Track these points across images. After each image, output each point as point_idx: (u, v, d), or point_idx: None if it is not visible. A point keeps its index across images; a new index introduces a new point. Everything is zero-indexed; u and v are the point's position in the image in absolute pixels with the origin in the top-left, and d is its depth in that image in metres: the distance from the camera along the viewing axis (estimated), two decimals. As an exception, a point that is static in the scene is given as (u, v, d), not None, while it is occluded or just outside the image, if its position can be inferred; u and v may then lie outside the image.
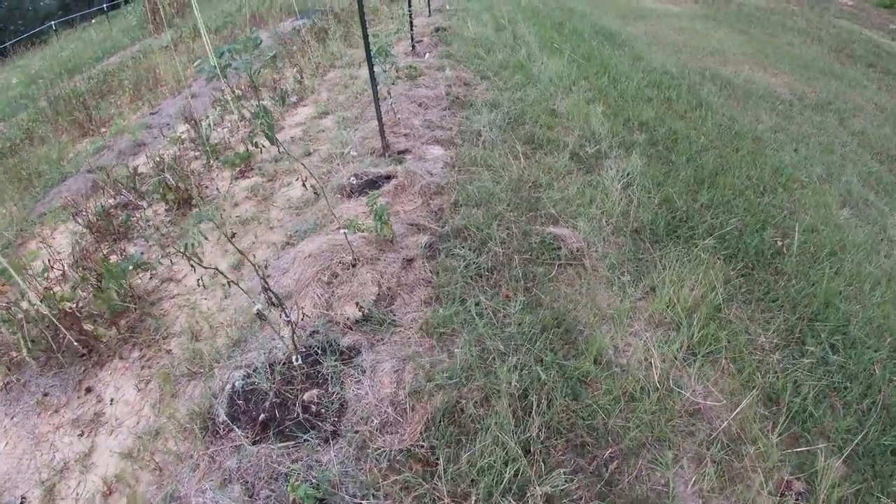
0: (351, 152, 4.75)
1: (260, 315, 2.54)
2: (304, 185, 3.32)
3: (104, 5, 22.14)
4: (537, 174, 4.47)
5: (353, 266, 3.24)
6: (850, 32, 13.83)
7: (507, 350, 2.79)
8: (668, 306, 3.13)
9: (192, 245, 2.12)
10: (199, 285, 2.52)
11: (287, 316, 2.49)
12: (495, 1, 12.47)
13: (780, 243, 3.86)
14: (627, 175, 4.44)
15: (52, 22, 20.01)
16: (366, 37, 4.31)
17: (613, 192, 4.18)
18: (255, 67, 2.48)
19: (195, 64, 2.35)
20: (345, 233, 3.12)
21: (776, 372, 2.86)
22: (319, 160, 5.24)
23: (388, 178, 4.29)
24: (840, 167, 5.72)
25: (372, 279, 3.15)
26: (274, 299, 2.42)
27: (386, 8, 11.92)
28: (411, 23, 8.13)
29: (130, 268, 3.77)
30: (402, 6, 9.34)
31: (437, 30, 9.58)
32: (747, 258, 3.64)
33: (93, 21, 18.50)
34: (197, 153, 6.08)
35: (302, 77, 7.71)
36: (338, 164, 4.97)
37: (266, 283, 2.39)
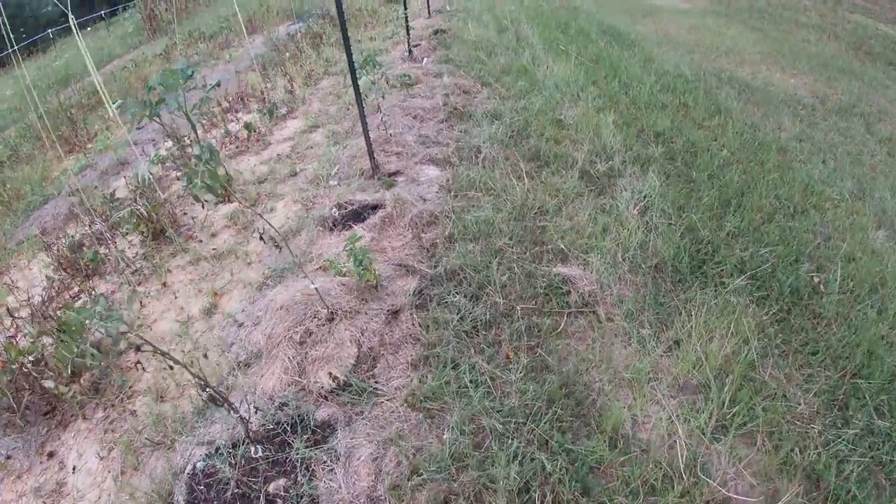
0: (331, 181, 4.33)
1: (213, 400, 2.13)
2: (261, 238, 2.89)
3: (102, 12, 21.85)
4: (543, 198, 4.03)
5: (330, 321, 2.82)
6: (866, 28, 13.23)
7: (507, 430, 2.35)
8: (694, 366, 2.68)
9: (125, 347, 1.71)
10: (137, 370, 2.10)
11: (236, 412, 2.08)
12: (497, 0, 11.99)
13: (816, 279, 3.40)
14: (644, 198, 3.98)
15: (50, 30, 19.71)
16: (348, 48, 3.89)
17: (629, 219, 3.73)
18: (193, 103, 2.07)
19: (115, 105, 1.93)
20: (316, 288, 2.70)
21: (817, 447, 2.41)
22: (305, 181, 4.82)
23: (375, 207, 3.86)
24: (871, 181, 5.22)
25: (351, 338, 2.73)
26: (219, 399, 2.01)
27: (384, 9, 11.48)
28: (407, 26, 7.69)
29: (89, 322, 3.38)
30: (400, 8, 8.92)
31: (435, 32, 9.13)
32: (782, 299, 3.18)
33: (88, 28, 18.17)
34: (179, 173, 5.70)
35: (292, 86, 7.29)
36: (324, 188, 4.56)
37: (205, 382, 1.98)
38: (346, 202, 3.93)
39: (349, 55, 3.80)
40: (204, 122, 6.79)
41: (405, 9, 7.53)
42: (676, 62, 7.91)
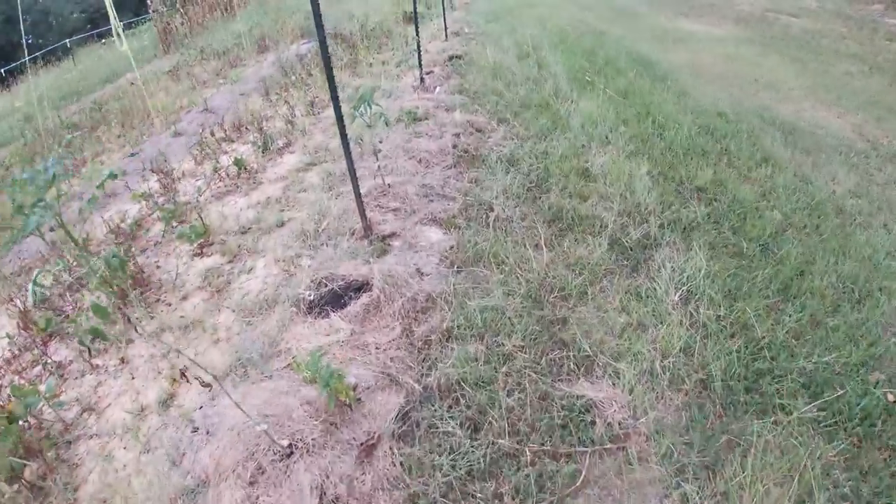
0: (305, 262, 3.73)
1: None
2: (184, 376, 2.31)
3: (122, 23, 21.69)
4: (564, 275, 3.40)
5: (289, 456, 2.22)
6: (909, 59, 12.36)
7: None
8: (752, 539, 2.04)
9: None
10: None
11: None
12: (519, 23, 11.43)
13: (891, 397, 2.73)
14: (687, 279, 3.34)
15: (67, 40, 19.63)
16: (333, 89, 3.33)
17: (670, 309, 3.09)
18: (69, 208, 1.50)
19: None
20: (265, 429, 2.10)
21: None
22: (291, 235, 4.24)
23: (360, 288, 3.26)
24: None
25: (312, 483, 2.13)
26: None
27: (400, 29, 10.97)
28: (419, 52, 7.14)
29: (27, 413, 2.87)
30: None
31: (451, 58, 8.58)
32: (852, 427, 2.52)
33: (103, 41, 17.99)
34: (159, 214, 5.18)
35: (293, 115, 6.76)
36: (309, 246, 3.99)
37: None
38: (326, 278, 3.32)
39: (335, 100, 3.25)
40: (196, 153, 6.29)
41: (417, 34, 6.98)
42: (714, 97, 7.25)
